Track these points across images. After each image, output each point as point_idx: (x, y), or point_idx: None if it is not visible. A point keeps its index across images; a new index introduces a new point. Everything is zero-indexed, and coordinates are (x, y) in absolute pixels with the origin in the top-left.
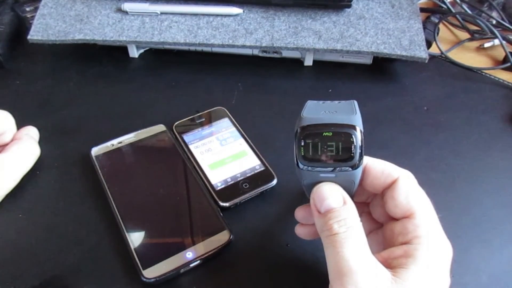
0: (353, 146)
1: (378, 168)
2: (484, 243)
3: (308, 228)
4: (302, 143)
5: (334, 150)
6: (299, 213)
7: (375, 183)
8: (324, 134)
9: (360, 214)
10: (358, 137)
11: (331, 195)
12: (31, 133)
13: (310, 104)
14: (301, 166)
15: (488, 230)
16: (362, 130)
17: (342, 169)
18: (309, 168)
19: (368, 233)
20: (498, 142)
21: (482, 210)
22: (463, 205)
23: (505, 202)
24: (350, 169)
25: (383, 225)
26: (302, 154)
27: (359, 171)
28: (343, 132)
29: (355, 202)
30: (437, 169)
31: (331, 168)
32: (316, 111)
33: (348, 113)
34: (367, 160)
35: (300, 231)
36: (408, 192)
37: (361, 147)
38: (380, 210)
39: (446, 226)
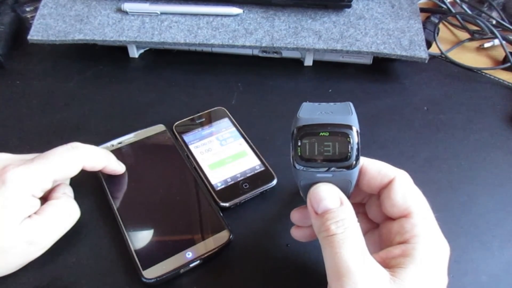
0: (349, 146)
1: (374, 168)
2: (483, 243)
3: (304, 230)
4: (299, 143)
5: (330, 150)
6: (295, 215)
7: (371, 183)
8: (321, 134)
9: (356, 215)
10: (354, 137)
11: (328, 196)
12: (67, 191)
13: (306, 106)
14: (297, 166)
15: (488, 230)
16: (359, 130)
17: (339, 169)
18: (306, 168)
19: (364, 234)
20: (498, 142)
21: (482, 210)
22: (463, 205)
23: (505, 202)
24: (347, 169)
25: (379, 225)
26: (299, 154)
27: (355, 171)
28: (340, 132)
29: (351, 203)
30: (437, 169)
31: (328, 168)
32: (312, 112)
33: (344, 113)
34: (363, 161)
35: (296, 233)
36: (405, 191)
37: (357, 147)
38: (376, 210)
39: (446, 226)
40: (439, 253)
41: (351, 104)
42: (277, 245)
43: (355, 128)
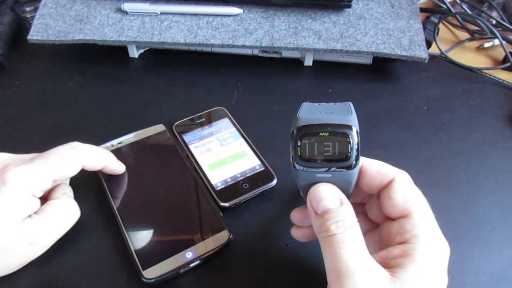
0: (349, 146)
1: (374, 168)
2: (483, 243)
3: (304, 230)
4: (299, 144)
5: (330, 150)
6: (295, 215)
7: (371, 183)
8: (321, 134)
9: (356, 215)
10: (354, 137)
11: (328, 196)
12: (67, 191)
13: (306, 106)
14: (297, 166)
15: (488, 230)
16: (358, 131)
17: (339, 169)
18: (306, 168)
19: (365, 234)
20: (498, 142)
21: (482, 210)
22: (463, 205)
23: (505, 202)
24: (347, 169)
25: (379, 226)
26: (299, 154)
27: (355, 171)
28: (339, 132)
29: (351, 203)
30: (437, 169)
31: (328, 168)
32: (312, 112)
33: (344, 113)
34: (363, 161)
35: (296, 234)
36: (405, 191)
37: (357, 147)
38: (376, 210)
39: (446, 226)
40: (439, 253)
41: (351, 104)
42: (277, 245)
43: (355, 128)
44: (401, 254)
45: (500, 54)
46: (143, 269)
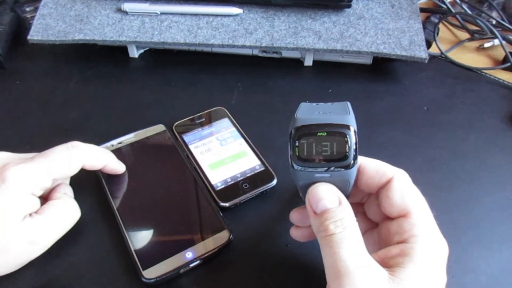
0: (347, 146)
1: (372, 168)
2: (483, 243)
3: (303, 230)
4: (297, 144)
5: (328, 150)
6: (294, 215)
7: (370, 183)
8: (319, 134)
9: (355, 214)
10: (352, 136)
11: (327, 196)
12: (68, 191)
13: (304, 106)
14: (296, 167)
15: (488, 230)
16: (356, 130)
17: (337, 169)
18: (304, 168)
19: (364, 233)
20: (498, 142)
21: (482, 210)
22: (463, 205)
23: (505, 202)
24: (345, 168)
25: (378, 225)
26: (297, 154)
27: (354, 171)
28: (337, 132)
29: (350, 203)
30: (437, 169)
31: (326, 168)
32: (310, 112)
33: (341, 113)
34: (362, 160)
35: (296, 233)
36: (403, 191)
37: (355, 146)
38: (375, 209)
39: (446, 226)
40: (437, 253)
41: (348, 103)
42: (277, 245)
43: (353, 127)
44: (400, 253)
45: (500, 54)
46: (143, 269)
